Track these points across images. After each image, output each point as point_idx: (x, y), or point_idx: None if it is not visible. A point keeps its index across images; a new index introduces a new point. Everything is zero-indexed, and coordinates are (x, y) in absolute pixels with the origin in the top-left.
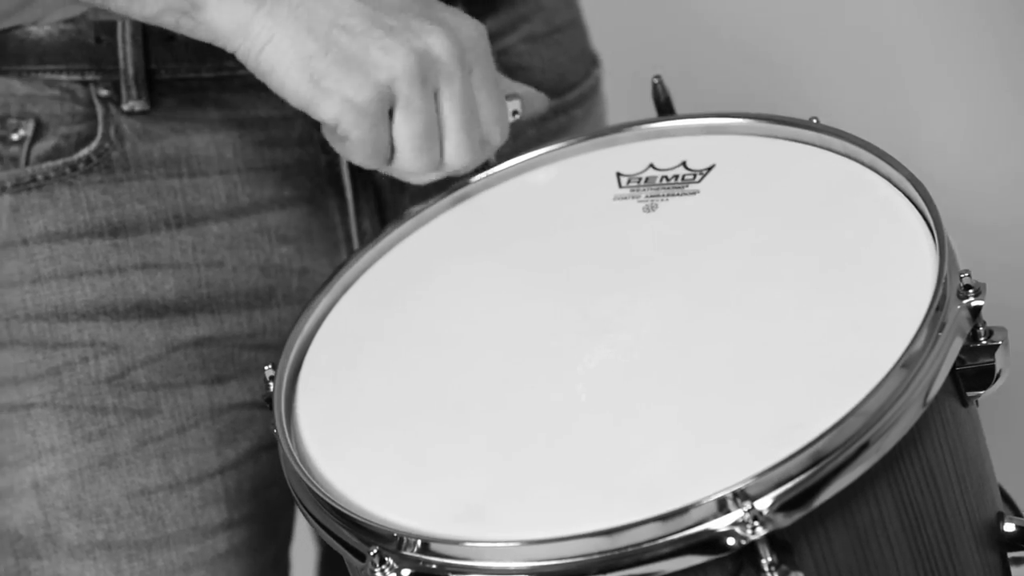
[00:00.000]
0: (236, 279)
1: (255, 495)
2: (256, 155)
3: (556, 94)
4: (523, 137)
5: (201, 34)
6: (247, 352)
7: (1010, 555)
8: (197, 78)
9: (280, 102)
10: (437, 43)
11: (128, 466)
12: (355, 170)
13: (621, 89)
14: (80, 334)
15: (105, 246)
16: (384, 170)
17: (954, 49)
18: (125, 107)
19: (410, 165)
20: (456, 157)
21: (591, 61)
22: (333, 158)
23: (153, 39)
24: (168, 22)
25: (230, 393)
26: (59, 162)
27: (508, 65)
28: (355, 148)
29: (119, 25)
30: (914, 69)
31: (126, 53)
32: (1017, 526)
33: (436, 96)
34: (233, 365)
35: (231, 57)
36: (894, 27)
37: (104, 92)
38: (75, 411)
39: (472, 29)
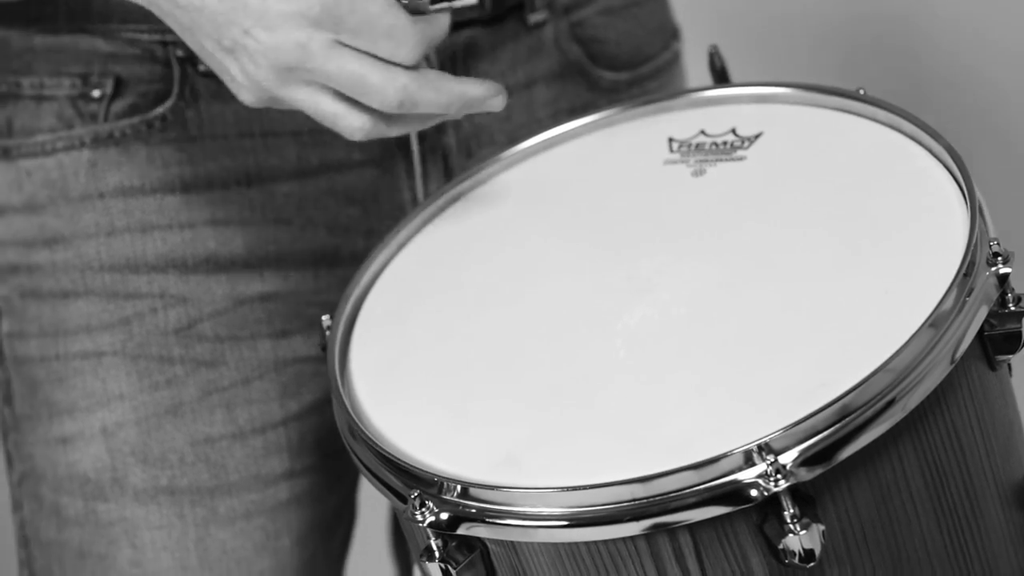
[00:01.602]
0: (303, 237)
1: (317, 447)
2: None
3: (631, 66)
4: (595, 109)
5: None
6: (312, 308)
7: None
8: None
9: None
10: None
11: (193, 415)
12: (423, 134)
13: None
14: (150, 286)
15: (177, 202)
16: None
17: (1012, 21)
18: (201, 68)
19: (379, 97)
20: (383, 98)
21: (671, 34)
22: None
23: None
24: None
25: (295, 347)
26: (136, 119)
27: (583, 37)
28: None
29: None
30: (969, 44)
31: None
32: None
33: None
34: (298, 320)
35: None
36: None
37: (181, 53)
38: (143, 360)
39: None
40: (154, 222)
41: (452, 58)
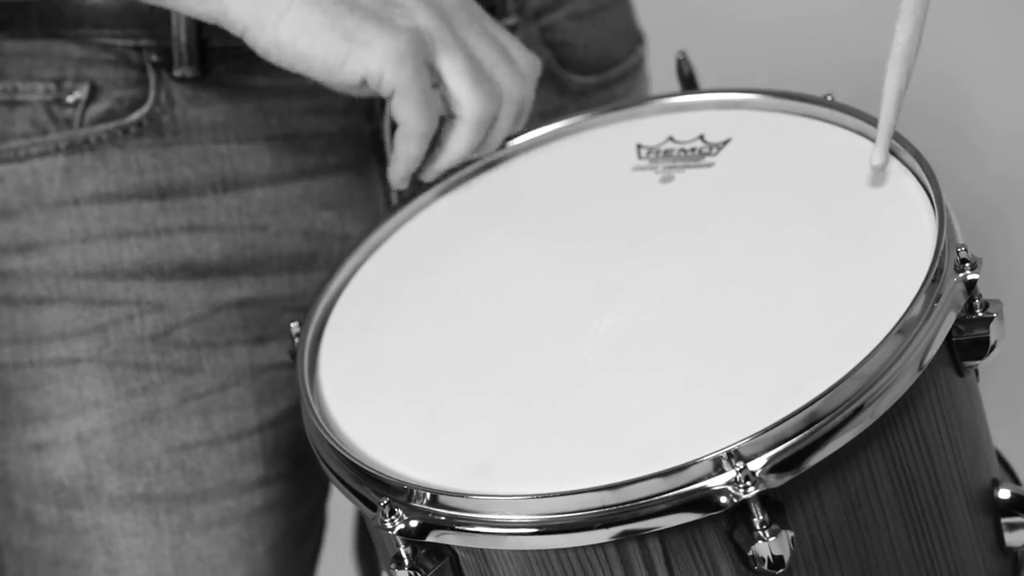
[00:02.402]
0: (279, 243)
1: (292, 453)
2: (302, 123)
3: (600, 70)
4: (563, 112)
5: (206, 7)
6: (288, 314)
7: (1004, 521)
8: (248, 47)
9: None
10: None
11: (169, 421)
12: None
13: (649, 63)
14: (127, 292)
15: (153, 208)
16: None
17: (978, 27)
18: (176, 73)
19: (473, 105)
20: (511, 85)
21: (636, 39)
22: (376, 127)
23: None
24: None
25: (271, 353)
26: (111, 125)
27: (552, 42)
28: (405, 98)
29: None
30: (936, 49)
31: (179, 21)
32: (1012, 493)
33: (468, 33)
34: (274, 326)
35: None
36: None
37: (156, 58)
38: (119, 367)
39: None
40: (130, 228)
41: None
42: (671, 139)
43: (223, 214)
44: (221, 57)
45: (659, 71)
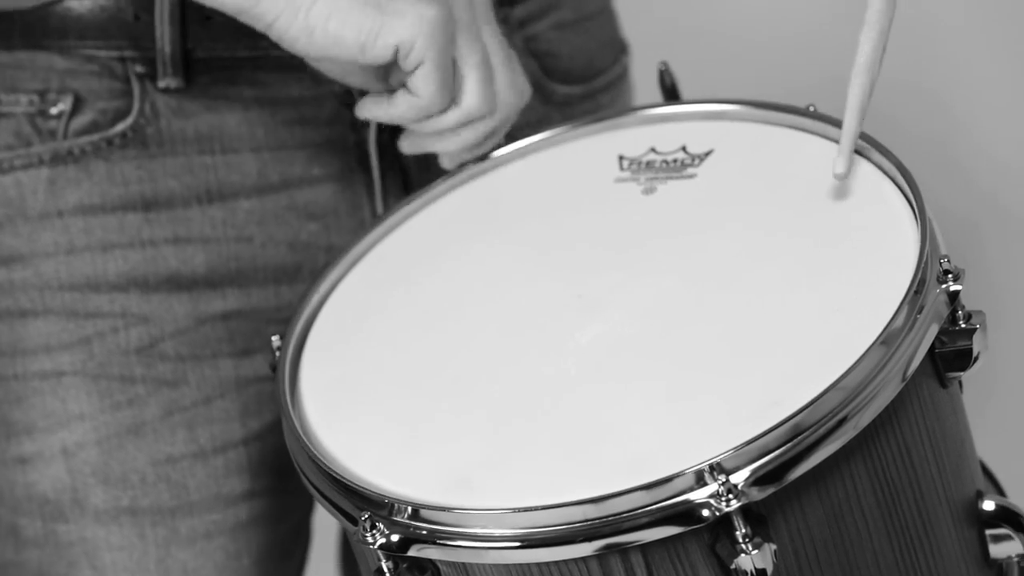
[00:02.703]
0: (264, 254)
1: (277, 466)
2: (287, 134)
3: (584, 80)
4: (547, 122)
5: (237, 2)
6: (273, 326)
7: (988, 532)
8: (232, 57)
9: (313, 83)
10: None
11: (155, 435)
12: (383, 150)
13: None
14: (111, 305)
15: (138, 220)
16: (433, 125)
17: (962, 36)
18: (160, 84)
19: (474, 101)
20: (507, 95)
21: (620, 48)
22: (361, 138)
23: (190, 18)
24: None
25: (256, 366)
26: (96, 136)
27: (537, 51)
28: (430, 72)
29: (157, 4)
30: (912, 60)
31: (163, 32)
32: (996, 504)
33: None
34: (259, 339)
35: (266, 37)
36: (908, 13)
37: (140, 69)
38: (104, 380)
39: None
40: (115, 240)
41: None
42: (653, 150)
43: (208, 226)
44: (205, 68)
45: (641, 82)
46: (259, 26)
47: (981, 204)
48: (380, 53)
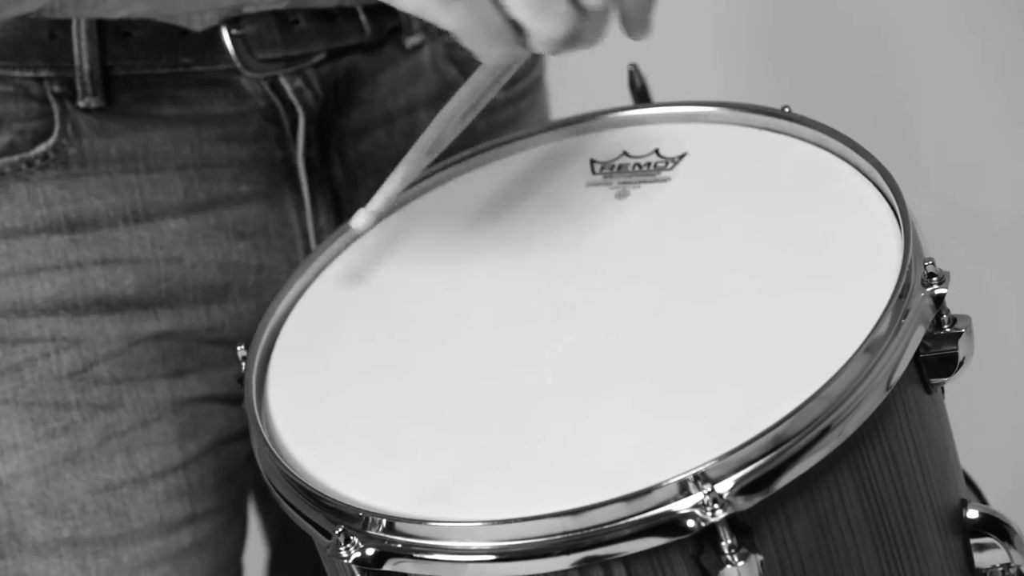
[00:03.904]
0: (194, 275)
1: (216, 489)
2: (212, 151)
3: (504, 87)
4: (473, 131)
5: None
6: (205, 346)
7: (973, 541)
8: (153, 74)
9: (236, 98)
10: None
11: (92, 462)
12: (311, 166)
13: (599, 76)
14: (40, 330)
15: (63, 242)
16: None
17: (933, 36)
18: (81, 104)
19: (540, 36)
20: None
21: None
22: (288, 154)
23: (109, 36)
24: None
25: (190, 387)
26: (15, 158)
27: (458, 59)
28: (470, 37)
29: (74, 21)
30: (892, 59)
31: (81, 49)
32: (981, 513)
33: None
34: (192, 359)
35: (187, 53)
36: (875, 17)
37: (57, 89)
38: (37, 407)
39: None
40: (40, 264)
41: (334, 85)
42: (625, 154)
43: (136, 246)
44: (126, 86)
45: (610, 84)
46: None
47: (941, 209)
48: (403, 10)
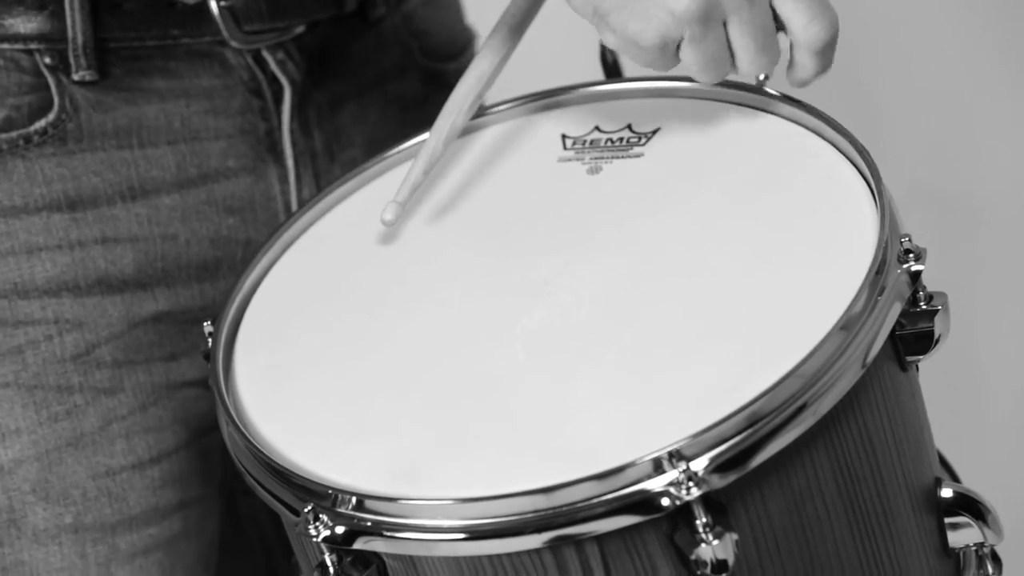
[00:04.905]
0: (189, 252)
1: (202, 475)
2: (201, 125)
3: (453, 56)
4: (428, 102)
5: None
6: (196, 327)
7: (947, 520)
8: (143, 47)
9: (222, 70)
10: None
11: (94, 446)
12: (295, 138)
13: (569, 51)
14: (43, 311)
15: (64, 220)
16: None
17: (899, 18)
18: (76, 77)
19: (698, 77)
20: (750, 67)
21: (470, 29)
22: (271, 126)
23: (102, 7)
24: None
25: (182, 370)
26: (13, 134)
27: (415, 31)
28: (642, 60)
29: None
30: (860, 39)
31: (75, 21)
32: (955, 491)
33: (725, 24)
34: (184, 341)
35: (175, 25)
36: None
37: (49, 61)
38: (40, 391)
39: None
40: (41, 243)
41: (310, 58)
42: (598, 129)
43: (135, 224)
44: (117, 59)
45: (582, 59)
46: None
47: (905, 196)
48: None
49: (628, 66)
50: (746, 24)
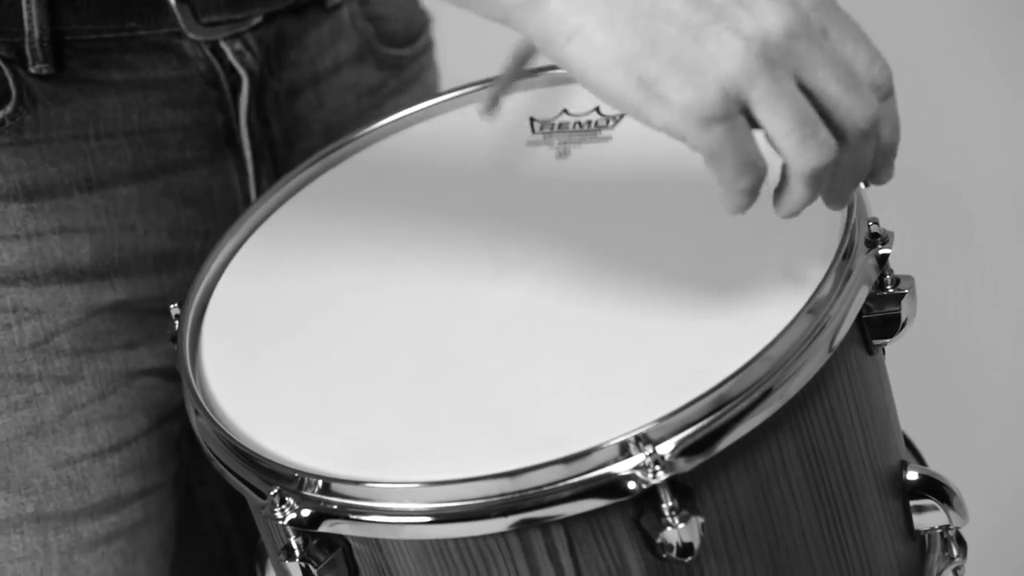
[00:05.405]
0: (146, 242)
1: (162, 463)
2: (159, 117)
3: (408, 42)
4: (384, 87)
5: (488, 11)
6: (154, 316)
7: (912, 503)
8: (99, 39)
9: (179, 62)
10: (775, 19)
11: (54, 435)
12: (253, 129)
13: None
14: (1, 300)
15: (21, 210)
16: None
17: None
18: (32, 70)
19: (802, 162)
20: (853, 122)
21: (426, 13)
22: (228, 118)
23: (58, 0)
24: None
25: (141, 359)
26: None
27: (372, 16)
28: (717, 160)
29: None
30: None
31: (31, 15)
32: (920, 474)
33: (797, 73)
34: (142, 330)
35: (132, 17)
36: None
37: (5, 53)
38: (0, 379)
39: None
40: None
41: (267, 49)
42: (566, 112)
43: (92, 215)
44: (74, 52)
45: None
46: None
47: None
48: (644, 124)
49: None
50: (824, 68)
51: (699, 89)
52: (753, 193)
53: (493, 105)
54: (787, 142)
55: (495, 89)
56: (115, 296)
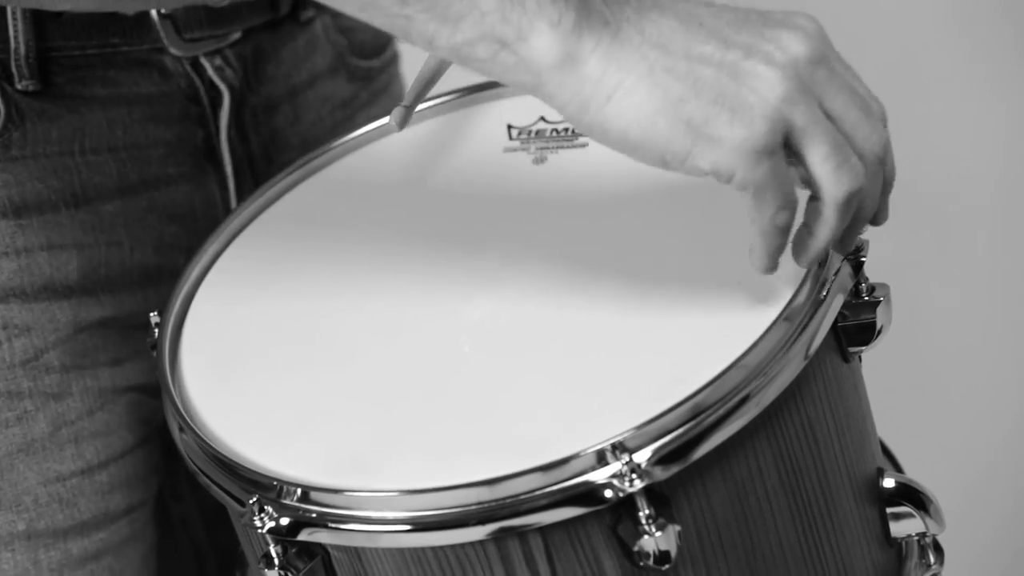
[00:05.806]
0: (132, 258)
1: (146, 480)
2: (142, 132)
3: (377, 53)
4: (356, 99)
5: (517, 76)
6: (139, 332)
7: (889, 510)
8: (83, 55)
9: (160, 78)
10: (799, 47)
11: (44, 452)
12: (233, 145)
13: None
14: None
15: (10, 227)
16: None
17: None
18: (19, 86)
19: (839, 187)
20: (871, 147)
21: None
22: (208, 133)
23: (44, 16)
24: (480, 55)
25: (127, 374)
26: None
27: (343, 28)
28: (762, 197)
29: (9, 6)
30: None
31: (18, 31)
32: (896, 482)
33: (821, 100)
34: (127, 346)
35: (115, 34)
36: None
37: None
38: None
39: (804, 17)
40: None
41: (245, 64)
42: (543, 119)
43: (79, 231)
44: (59, 68)
45: None
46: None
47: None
48: (688, 173)
49: None
50: (842, 90)
51: (748, 123)
52: (787, 232)
53: (405, 122)
54: (825, 168)
55: (406, 104)
56: (102, 312)
